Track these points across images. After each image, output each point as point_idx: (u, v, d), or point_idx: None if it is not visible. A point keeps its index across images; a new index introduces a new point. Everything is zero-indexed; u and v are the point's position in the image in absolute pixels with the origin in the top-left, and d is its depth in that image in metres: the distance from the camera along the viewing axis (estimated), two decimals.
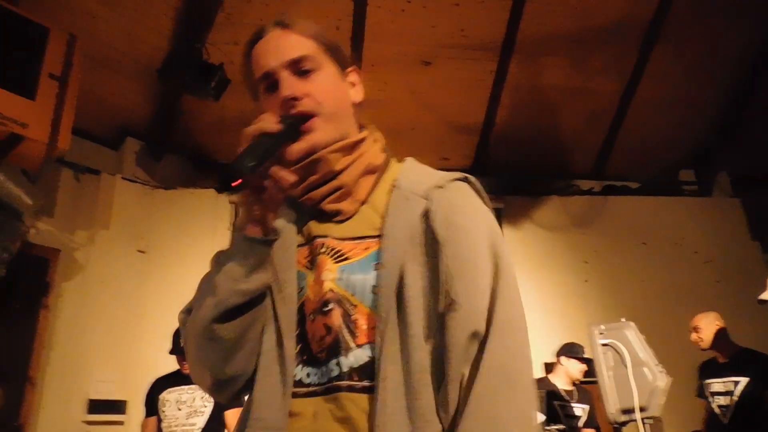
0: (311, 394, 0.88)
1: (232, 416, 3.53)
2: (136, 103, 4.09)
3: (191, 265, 4.27)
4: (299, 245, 0.96)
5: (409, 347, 0.84)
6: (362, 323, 0.88)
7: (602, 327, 3.14)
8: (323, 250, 0.93)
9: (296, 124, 0.91)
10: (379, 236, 0.90)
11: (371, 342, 0.87)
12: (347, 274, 0.90)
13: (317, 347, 0.89)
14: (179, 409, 3.41)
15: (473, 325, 0.85)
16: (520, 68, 4.37)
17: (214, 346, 0.89)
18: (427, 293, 0.87)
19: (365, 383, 0.86)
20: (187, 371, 3.46)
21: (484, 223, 0.93)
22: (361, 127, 1.01)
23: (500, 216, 4.91)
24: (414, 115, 4.50)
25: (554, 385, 3.72)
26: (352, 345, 0.88)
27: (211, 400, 3.44)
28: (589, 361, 3.65)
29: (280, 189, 0.87)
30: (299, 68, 0.93)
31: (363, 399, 0.85)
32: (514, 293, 0.91)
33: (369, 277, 0.89)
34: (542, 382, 3.70)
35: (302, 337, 0.91)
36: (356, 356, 0.87)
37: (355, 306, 0.89)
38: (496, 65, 4.38)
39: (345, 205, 0.95)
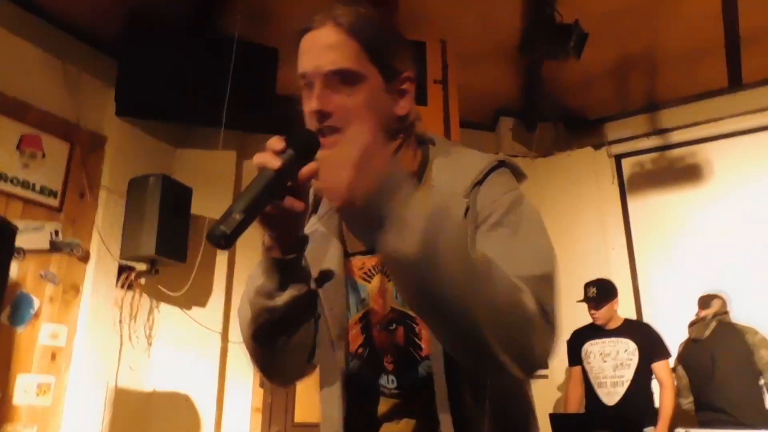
0: (391, 396, 0.96)
1: (661, 368, 3.49)
2: (503, 84, 4.41)
3: (582, 223, 4.41)
4: (353, 253, 0.97)
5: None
6: (426, 334, 0.92)
7: None
8: (379, 268, 0.95)
9: (310, 143, 0.85)
10: None
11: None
12: None
13: (386, 357, 0.96)
14: (604, 361, 3.54)
15: None
16: None
17: (257, 357, 0.96)
18: None
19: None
20: (599, 322, 3.59)
21: (506, 203, 0.90)
22: (403, 137, 0.95)
23: None
24: None
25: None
26: (419, 359, 0.93)
27: (636, 352, 3.48)
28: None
29: (291, 216, 0.84)
30: (337, 80, 0.88)
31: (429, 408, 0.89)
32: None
33: None
34: None
35: (369, 343, 0.97)
36: (424, 368, 0.93)
37: (416, 319, 0.92)
38: None
39: None
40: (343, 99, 0.89)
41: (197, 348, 3.70)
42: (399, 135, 0.95)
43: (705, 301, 3.56)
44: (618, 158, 4.53)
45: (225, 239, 0.76)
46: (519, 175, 1.00)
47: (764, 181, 4.02)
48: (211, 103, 3.49)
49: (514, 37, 3.98)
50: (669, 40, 3.99)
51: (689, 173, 4.25)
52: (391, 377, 0.96)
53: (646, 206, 4.36)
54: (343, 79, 0.88)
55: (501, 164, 0.97)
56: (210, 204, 3.87)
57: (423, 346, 0.93)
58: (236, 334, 3.92)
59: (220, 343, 3.76)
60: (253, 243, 3.91)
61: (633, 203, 4.42)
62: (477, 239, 0.87)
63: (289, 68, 4.01)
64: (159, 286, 3.61)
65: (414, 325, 0.94)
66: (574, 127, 4.67)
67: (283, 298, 0.89)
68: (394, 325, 0.95)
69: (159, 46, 3.44)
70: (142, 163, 3.61)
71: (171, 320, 3.71)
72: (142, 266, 3.50)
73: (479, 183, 0.92)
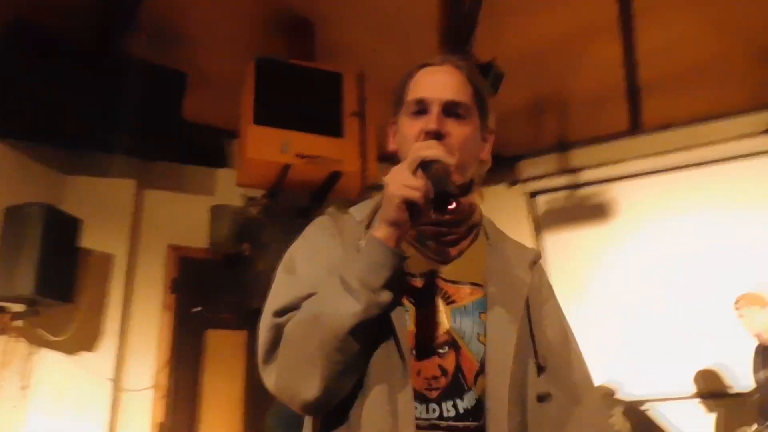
0: (430, 428, 0.91)
1: None
2: None
3: None
4: (407, 274, 0.98)
5: (511, 402, 0.92)
6: (468, 368, 0.94)
7: None
8: (435, 290, 0.98)
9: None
10: (478, 284, 0.99)
11: (474, 386, 0.93)
12: (459, 319, 0.96)
13: (424, 384, 0.93)
14: None
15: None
16: None
17: (338, 357, 0.87)
18: (522, 349, 0.96)
19: (476, 424, 0.92)
20: None
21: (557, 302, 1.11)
22: (474, 182, 1.07)
23: None
24: (710, 52, 3.87)
25: None
26: (466, 388, 0.93)
27: None
28: None
29: (427, 215, 0.92)
30: (453, 111, 1.00)
31: None
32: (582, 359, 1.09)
33: (476, 324, 0.96)
34: None
35: None
36: (468, 399, 0.93)
37: (461, 349, 0.95)
38: None
39: (449, 250, 1.02)
40: (455, 126, 1.00)
41: (84, 398, 3.30)
42: (476, 184, 1.08)
43: None
44: (532, 195, 4.62)
45: (450, 212, 0.90)
46: None
47: (664, 220, 4.22)
48: (107, 128, 3.20)
49: None
50: (577, 84, 4.15)
51: (599, 211, 4.40)
52: (433, 406, 0.93)
53: (559, 242, 4.46)
54: (458, 110, 1.01)
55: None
56: (104, 237, 3.53)
57: (468, 376, 0.94)
58: (131, 382, 3.56)
59: (111, 392, 3.38)
60: (148, 284, 3.56)
61: (547, 239, 4.50)
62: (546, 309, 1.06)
63: (198, 94, 3.82)
64: (39, 329, 3.19)
65: (459, 353, 0.95)
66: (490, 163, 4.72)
67: (387, 297, 0.89)
68: (446, 348, 0.95)
69: (48, 61, 3.10)
70: (24, 191, 3.22)
71: (53, 367, 3.28)
72: (18, 307, 3.08)
73: (535, 262, 1.10)
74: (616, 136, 4.48)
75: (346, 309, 0.86)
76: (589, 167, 4.46)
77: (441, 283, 0.99)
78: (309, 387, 0.88)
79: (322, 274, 0.93)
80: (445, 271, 1.00)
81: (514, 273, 1.02)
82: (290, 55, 3.64)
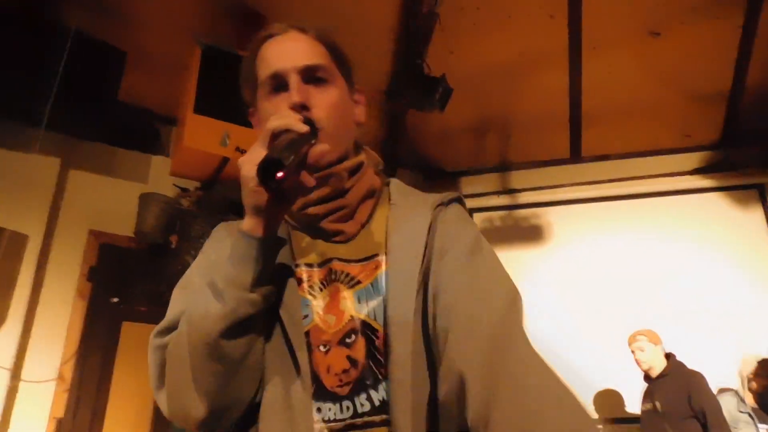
0: (345, 429, 0.82)
1: None
2: (367, 126, 4.36)
3: None
4: (296, 266, 0.90)
5: (415, 376, 0.80)
6: (386, 351, 0.83)
7: None
8: (334, 277, 0.89)
9: (316, 129, 0.84)
10: (383, 254, 0.88)
11: None
12: (365, 300, 0.86)
13: (335, 381, 0.84)
14: None
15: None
16: None
17: (216, 367, 0.79)
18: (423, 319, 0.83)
19: None
20: None
21: (472, 234, 0.91)
22: (357, 147, 0.98)
23: (764, 194, 4.24)
24: (648, 93, 4.07)
25: None
26: (380, 377, 0.83)
27: None
28: None
29: (300, 191, 0.81)
30: (312, 76, 0.90)
31: None
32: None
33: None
34: None
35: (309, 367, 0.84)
36: (386, 388, 0.82)
37: (377, 331, 0.84)
38: (743, 19, 3.76)
39: (347, 227, 0.92)
40: (319, 93, 0.89)
41: None
42: (362, 149, 0.98)
43: None
44: (470, 212, 4.65)
45: (293, 164, 0.74)
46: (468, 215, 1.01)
47: (594, 247, 4.36)
48: (34, 99, 2.99)
49: (382, 81, 3.96)
50: (522, 108, 4.23)
51: (532, 233, 4.50)
52: (346, 404, 0.82)
53: None
54: (318, 75, 0.90)
55: (458, 200, 0.99)
56: (19, 215, 3.28)
57: (384, 362, 0.83)
58: (32, 373, 3.31)
59: (8, 382, 3.13)
60: (62, 269, 3.33)
61: None
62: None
63: (137, 75, 3.63)
64: None
65: (374, 338, 0.84)
66: (431, 177, 4.75)
67: (262, 293, 0.80)
68: (354, 337, 0.84)
69: None
70: None
71: None
72: None
73: (442, 204, 0.94)
74: (556, 162, 4.60)
75: (213, 312, 0.78)
76: (527, 190, 4.56)
77: (342, 266, 0.89)
78: (195, 405, 0.80)
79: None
80: (345, 251, 0.90)
81: (414, 231, 0.88)
82: (238, 46, 3.54)
